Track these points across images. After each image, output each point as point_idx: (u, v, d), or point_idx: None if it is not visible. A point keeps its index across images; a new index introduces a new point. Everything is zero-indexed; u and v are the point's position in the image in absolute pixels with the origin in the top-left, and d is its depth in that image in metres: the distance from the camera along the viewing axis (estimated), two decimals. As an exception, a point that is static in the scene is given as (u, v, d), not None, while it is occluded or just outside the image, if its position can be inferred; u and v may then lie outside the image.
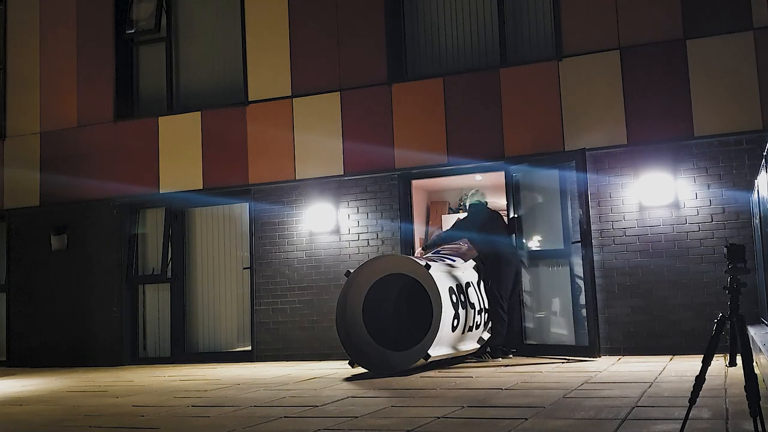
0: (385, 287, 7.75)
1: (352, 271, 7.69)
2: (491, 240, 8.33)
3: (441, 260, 8.11)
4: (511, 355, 8.27)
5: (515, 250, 8.48)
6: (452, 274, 7.75)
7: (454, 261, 8.13)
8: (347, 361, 7.52)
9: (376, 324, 7.63)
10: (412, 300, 7.98)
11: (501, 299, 8.11)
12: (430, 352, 7.07)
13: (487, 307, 8.13)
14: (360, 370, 7.42)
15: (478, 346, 8.03)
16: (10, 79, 11.33)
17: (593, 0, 8.58)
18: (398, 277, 7.70)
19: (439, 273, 7.46)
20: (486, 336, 8.13)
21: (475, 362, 8.01)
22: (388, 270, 7.65)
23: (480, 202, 8.66)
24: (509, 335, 8.26)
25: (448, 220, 11.29)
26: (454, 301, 7.45)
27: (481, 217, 8.51)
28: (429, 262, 7.47)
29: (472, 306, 7.78)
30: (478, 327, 7.94)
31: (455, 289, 7.57)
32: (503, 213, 9.08)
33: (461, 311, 7.53)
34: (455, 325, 7.42)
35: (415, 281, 7.54)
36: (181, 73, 10.81)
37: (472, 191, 8.80)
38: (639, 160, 8.20)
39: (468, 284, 7.89)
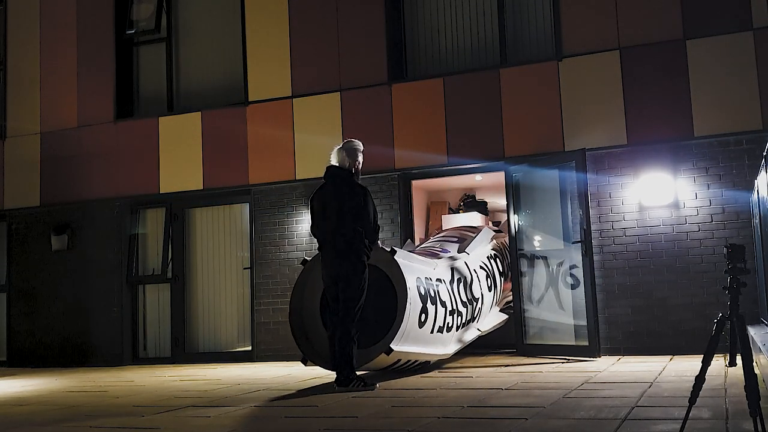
0: None
1: (309, 258, 7.12)
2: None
3: (428, 252, 7.85)
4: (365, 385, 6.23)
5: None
6: (422, 266, 7.14)
7: (436, 253, 7.83)
8: (301, 359, 6.92)
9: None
10: (380, 296, 6.77)
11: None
12: (393, 346, 6.36)
13: (460, 309, 7.43)
14: (319, 370, 6.83)
15: (449, 352, 7.40)
16: (10, 79, 11.33)
17: (593, 0, 8.58)
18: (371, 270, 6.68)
19: (405, 261, 6.84)
20: (457, 345, 7.47)
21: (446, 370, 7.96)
22: None
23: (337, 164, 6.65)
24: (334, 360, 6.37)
25: (448, 220, 11.29)
26: (422, 293, 6.78)
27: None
28: (395, 248, 6.96)
29: (443, 304, 7.10)
30: (449, 329, 7.22)
31: (423, 280, 6.90)
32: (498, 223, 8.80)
33: (430, 306, 6.82)
34: (423, 320, 6.74)
35: (386, 277, 6.71)
36: (181, 73, 10.82)
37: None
38: (639, 160, 8.21)
39: (439, 280, 7.22)
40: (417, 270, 7.00)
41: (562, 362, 7.53)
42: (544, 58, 8.84)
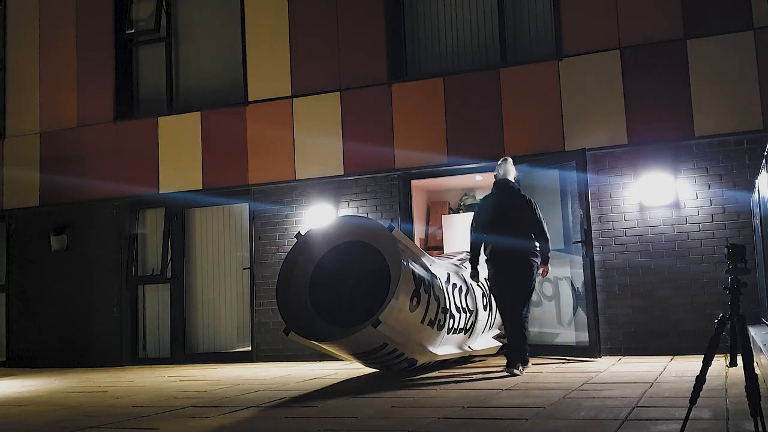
0: (349, 261, 6.83)
1: (303, 233, 6.98)
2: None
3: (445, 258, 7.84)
4: None
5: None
6: (418, 254, 7.00)
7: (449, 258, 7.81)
8: (282, 329, 6.67)
9: (327, 296, 6.91)
10: (374, 280, 6.85)
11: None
12: (381, 318, 6.16)
13: (453, 312, 7.14)
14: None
15: (437, 353, 7.02)
16: (10, 79, 11.33)
17: (593, 0, 8.58)
18: (372, 253, 6.74)
19: (402, 243, 6.72)
20: (447, 349, 7.16)
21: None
22: (344, 236, 6.80)
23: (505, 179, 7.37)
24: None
25: (448, 220, 11.30)
26: (416, 277, 6.54)
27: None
28: (393, 225, 6.78)
29: (437, 299, 6.82)
30: (441, 327, 6.96)
31: (418, 267, 6.71)
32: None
33: (423, 293, 6.57)
34: (414, 304, 6.48)
35: (382, 259, 6.58)
36: (181, 73, 10.81)
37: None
38: (639, 160, 8.20)
39: (434, 275, 6.98)
40: (412, 255, 6.83)
41: (563, 362, 7.52)
42: (544, 58, 8.83)
